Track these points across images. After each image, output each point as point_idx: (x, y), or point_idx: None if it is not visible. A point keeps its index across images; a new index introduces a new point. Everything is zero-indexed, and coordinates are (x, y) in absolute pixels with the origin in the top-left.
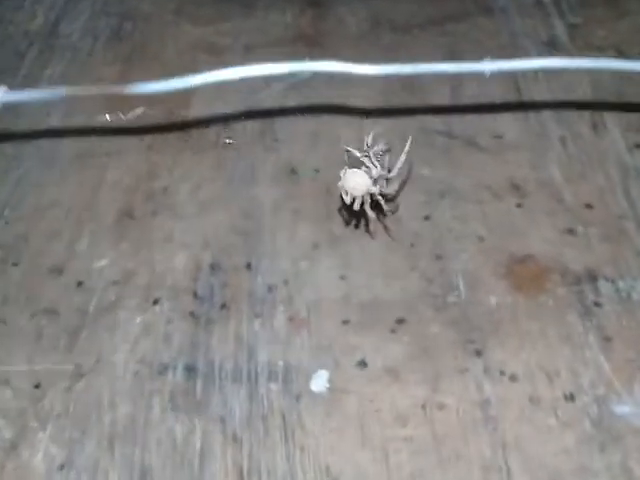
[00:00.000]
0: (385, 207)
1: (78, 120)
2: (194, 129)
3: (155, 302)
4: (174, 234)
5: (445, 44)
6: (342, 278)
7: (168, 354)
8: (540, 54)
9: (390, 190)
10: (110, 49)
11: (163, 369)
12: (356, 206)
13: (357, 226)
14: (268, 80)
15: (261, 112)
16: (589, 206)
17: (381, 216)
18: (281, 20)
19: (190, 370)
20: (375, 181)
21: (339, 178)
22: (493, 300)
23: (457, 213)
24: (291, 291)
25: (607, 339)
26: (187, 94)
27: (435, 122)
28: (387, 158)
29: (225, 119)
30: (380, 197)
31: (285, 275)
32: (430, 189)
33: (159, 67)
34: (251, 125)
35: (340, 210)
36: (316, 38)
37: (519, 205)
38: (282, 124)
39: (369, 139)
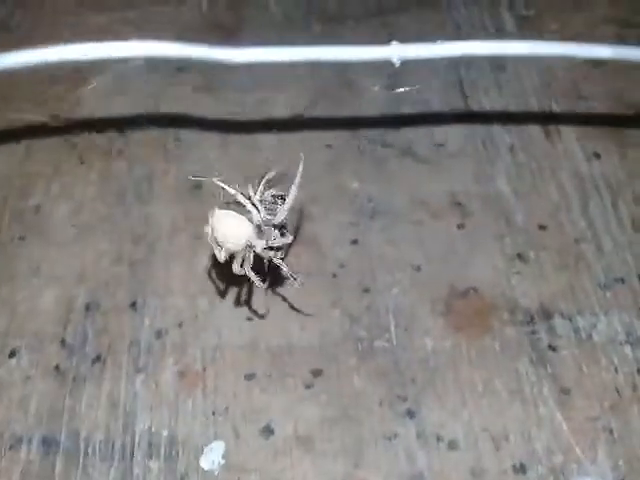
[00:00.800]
0: (281, 267)
1: None
2: (83, 133)
3: (12, 354)
4: (43, 265)
5: (383, 36)
6: (249, 319)
7: (22, 423)
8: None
9: (277, 242)
10: None
11: (15, 443)
12: (235, 268)
13: (238, 300)
14: (175, 78)
15: (164, 114)
16: (542, 227)
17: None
18: (195, 5)
19: (48, 445)
20: (260, 230)
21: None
22: (429, 344)
23: (389, 237)
24: (185, 337)
25: (565, 391)
26: (77, 90)
27: (366, 127)
28: (280, 205)
29: (122, 121)
30: (267, 253)
31: (179, 316)
32: (358, 207)
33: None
34: (151, 128)
35: (210, 272)
36: (234, 27)
37: (461, 226)
38: (188, 129)
39: (261, 182)
